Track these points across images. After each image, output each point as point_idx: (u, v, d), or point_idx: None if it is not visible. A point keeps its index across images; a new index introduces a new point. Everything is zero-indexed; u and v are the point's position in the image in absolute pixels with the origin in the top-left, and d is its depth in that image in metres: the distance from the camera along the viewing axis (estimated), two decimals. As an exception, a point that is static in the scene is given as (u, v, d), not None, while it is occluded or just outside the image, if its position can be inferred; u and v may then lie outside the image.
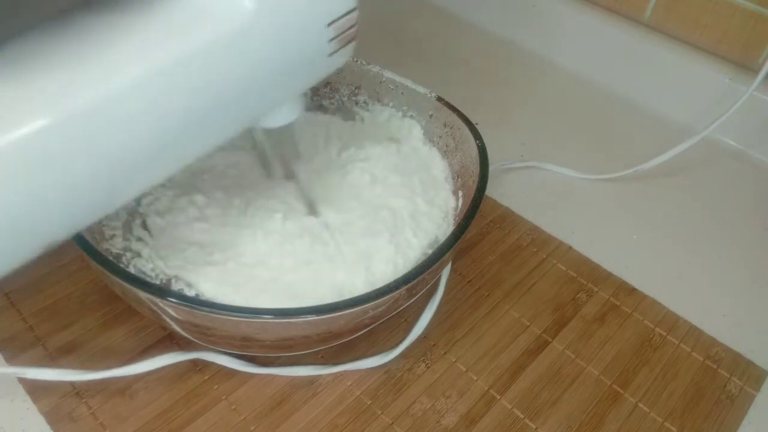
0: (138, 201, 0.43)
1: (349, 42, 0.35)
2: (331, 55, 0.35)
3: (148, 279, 0.39)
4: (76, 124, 0.26)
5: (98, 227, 0.40)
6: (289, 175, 0.44)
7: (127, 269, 0.39)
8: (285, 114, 0.37)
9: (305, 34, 0.33)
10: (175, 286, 0.39)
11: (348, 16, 0.34)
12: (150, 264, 0.40)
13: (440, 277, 0.44)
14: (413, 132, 0.49)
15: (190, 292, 0.39)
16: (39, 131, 0.25)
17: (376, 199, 0.44)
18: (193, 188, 0.44)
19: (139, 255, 0.40)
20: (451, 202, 0.45)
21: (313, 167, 0.46)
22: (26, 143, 0.25)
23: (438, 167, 0.47)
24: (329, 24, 0.33)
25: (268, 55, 0.32)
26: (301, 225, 0.42)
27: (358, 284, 0.40)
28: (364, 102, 0.51)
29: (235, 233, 0.41)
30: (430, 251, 0.42)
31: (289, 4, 0.31)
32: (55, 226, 0.28)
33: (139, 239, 0.41)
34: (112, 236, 0.41)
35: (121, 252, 0.40)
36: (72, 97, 0.26)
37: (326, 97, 0.52)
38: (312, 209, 0.44)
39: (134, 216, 0.42)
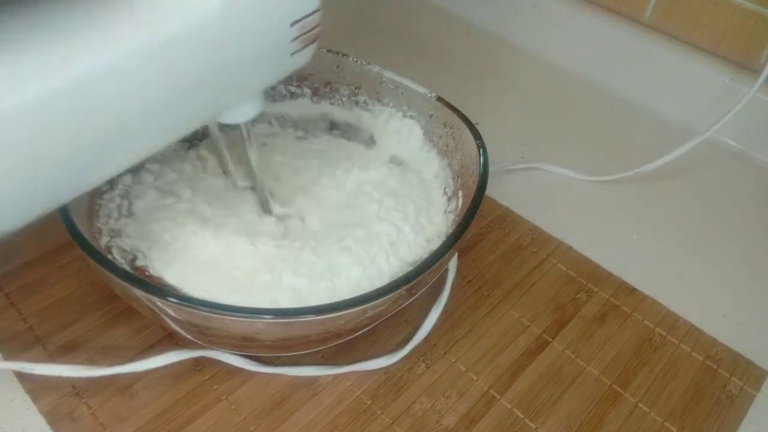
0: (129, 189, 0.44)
1: (311, 42, 0.36)
2: (293, 54, 0.35)
3: (125, 255, 0.40)
4: (40, 109, 0.26)
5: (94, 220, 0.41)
6: (248, 174, 0.44)
7: (112, 251, 0.40)
8: (243, 111, 0.38)
9: (268, 32, 0.33)
10: (142, 263, 0.40)
11: (311, 17, 0.34)
12: (129, 239, 0.41)
13: (446, 278, 0.44)
14: (413, 132, 0.49)
15: (154, 271, 0.39)
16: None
17: (361, 217, 0.44)
18: (170, 183, 0.45)
19: (120, 233, 0.41)
20: (442, 228, 0.44)
21: (314, 183, 0.47)
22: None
23: (438, 195, 0.47)
24: (293, 24, 0.34)
25: (231, 50, 0.32)
26: (271, 227, 0.43)
27: (317, 292, 0.39)
28: (364, 102, 0.51)
29: (198, 234, 0.41)
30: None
31: (254, 1, 0.32)
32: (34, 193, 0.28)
33: (126, 216, 0.42)
34: (108, 218, 0.42)
35: (110, 236, 0.41)
36: (35, 85, 0.26)
37: (326, 97, 0.52)
38: (265, 207, 0.44)
39: (124, 199, 0.43)
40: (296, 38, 0.35)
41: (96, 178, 0.31)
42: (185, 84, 0.31)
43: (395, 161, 0.50)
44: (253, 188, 0.45)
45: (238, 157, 0.44)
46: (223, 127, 0.40)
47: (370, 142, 0.51)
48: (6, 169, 0.26)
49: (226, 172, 0.46)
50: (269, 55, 0.35)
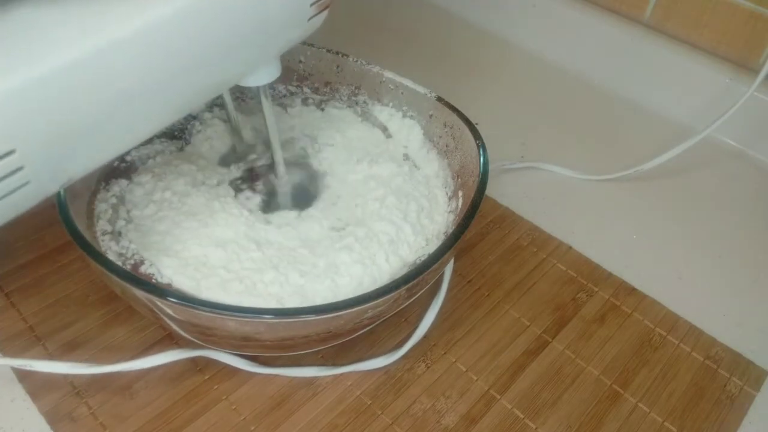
0: (123, 194, 0.44)
1: (324, 8, 0.38)
2: (310, 19, 0.37)
3: (123, 259, 0.40)
4: (61, 78, 0.26)
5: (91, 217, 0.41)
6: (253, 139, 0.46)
7: (108, 251, 0.39)
8: (263, 75, 0.39)
9: None
10: (147, 270, 0.39)
11: None
12: (132, 244, 0.40)
13: (443, 278, 0.44)
14: (413, 132, 0.49)
15: (161, 279, 0.39)
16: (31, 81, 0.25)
17: (362, 215, 0.44)
18: (166, 186, 0.44)
19: (120, 234, 0.41)
20: (443, 228, 0.44)
21: (328, 167, 0.48)
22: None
23: (441, 194, 0.47)
24: None
25: (255, 15, 0.33)
26: (271, 229, 0.42)
27: (321, 290, 0.39)
28: (364, 102, 0.51)
29: (198, 237, 0.41)
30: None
31: None
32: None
33: (125, 220, 0.42)
34: (98, 219, 0.41)
35: (105, 237, 0.40)
36: (56, 55, 0.26)
37: (326, 97, 0.52)
38: (278, 173, 0.45)
39: (120, 202, 0.43)
40: (314, 3, 0.36)
41: (128, 141, 0.32)
42: (210, 49, 0.32)
43: (405, 158, 0.50)
44: (265, 144, 0.46)
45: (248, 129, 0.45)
46: (238, 96, 0.41)
47: (387, 134, 0.51)
48: (44, 132, 0.26)
49: (237, 143, 0.47)
50: (290, 18, 0.36)
